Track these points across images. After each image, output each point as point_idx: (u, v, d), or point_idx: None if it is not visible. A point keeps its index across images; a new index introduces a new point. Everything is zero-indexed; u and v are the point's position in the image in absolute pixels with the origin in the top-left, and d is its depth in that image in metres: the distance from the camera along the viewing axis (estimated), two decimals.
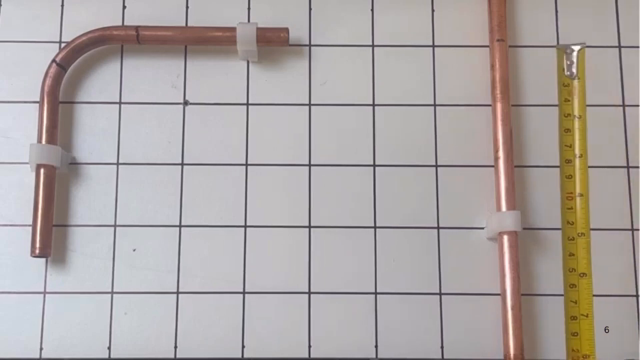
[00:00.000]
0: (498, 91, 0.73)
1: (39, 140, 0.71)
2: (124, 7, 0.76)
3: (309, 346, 0.71)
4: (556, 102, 0.75)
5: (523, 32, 0.76)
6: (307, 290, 0.71)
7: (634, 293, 0.72)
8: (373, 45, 0.76)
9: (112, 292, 0.71)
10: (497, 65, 0.73)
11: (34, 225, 0.69)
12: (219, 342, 0.71)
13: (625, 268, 0.72)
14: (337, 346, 0.71)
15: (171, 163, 0.74)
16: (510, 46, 0.75)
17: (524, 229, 0.72)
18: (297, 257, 0.72)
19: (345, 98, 0.75)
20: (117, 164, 0.73)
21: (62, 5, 0.76)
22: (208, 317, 0.71)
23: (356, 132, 0.74)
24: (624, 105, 0.75)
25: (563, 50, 0.75)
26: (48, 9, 0.76)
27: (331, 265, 0.72)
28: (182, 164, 0.74)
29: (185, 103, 0.75)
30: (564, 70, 0.75)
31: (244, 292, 0.71)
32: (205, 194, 0.73)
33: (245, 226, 0.72)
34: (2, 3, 0.76)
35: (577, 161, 0.72)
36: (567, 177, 0.72)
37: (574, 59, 0.74)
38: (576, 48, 0.74)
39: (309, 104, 0.75)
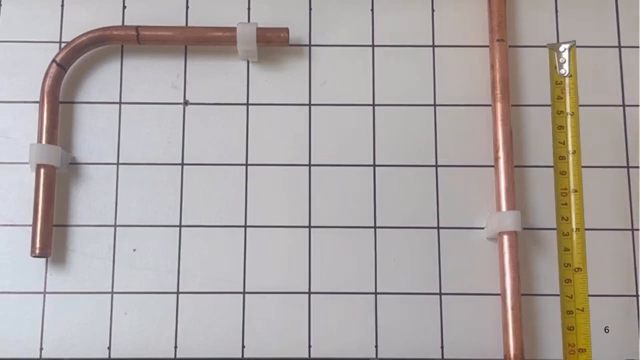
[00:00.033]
0: (498, 91, 0.73)
1: (39, 140, 0.71)
2: (124, 7, 0.76)
3: (309, 346, 0.71)
4: None
5: (523, 32, 0.76)
6: (307, 290, 0.71)
7: (634, 293, 0.72)
8: (373, 45, 0.76)
9: (112, 292, 0.71)
10: (497, 65, 0.73)
11: (34, 225, 0.69)
12: (219, 342, 0.71)
13: (625, 268, 0.72)
14: (337, 346, 0.71)
15: (171, 163, 0.74)
16: (510, 46, 0.75)
17: (524, 229, 0.72)
18: (297, 257, 0.72)
19: (345, 98, 0.75)
20: (117, 164, 0.73)
21: (62, 5, 0.76)
22: (208, 317, 0.71)
23: (356, 132, 0.74)
24: (624, 105, 0.75)
25: (554, 49, 0.75)
26: (48, 9, 0.76)
27: (331, 265, 0.72)
28: (182, 164, 0.74)
29: (185, 103, 0.75)
30: (555, 68, 0.75)
31: (244, 292, 0.71)
32: (205, 194, 0.73)
33: (245, 226, 0.72)
34: (2, 3, 0.76)
35: (571, 157, 0.72)
36: (561, 174, 0.72)
37: (565, 57, 0.74)
38: (566, 46, 0.75)
39: (309, 104, 0.75)
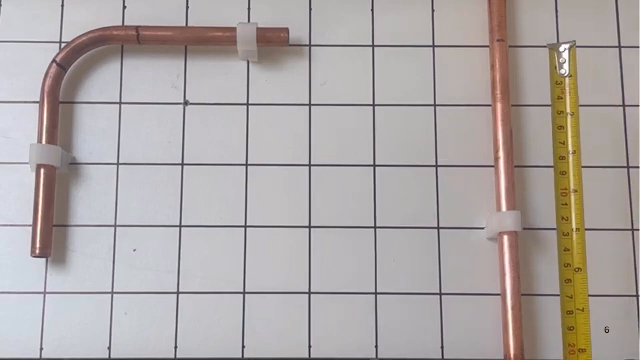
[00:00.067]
0: (498, 91, 0.73)
1: (39, 140, 0.71)
2: (124, 7, 0.76)
3: (309, 346, 0.71)
4: None
5: (523, 32, 0.76)
6: (307, 290, 0.71)
7: (634, 293, 0.72)
8: (373, 45, 0.76)
9: (112, 292, 0.71)
10: (497, 65, 0.73)
11: (34, 225, 0.69)
12: (219, 342, 0.71)
13: (625, 268, 0.72)
14: (337, 346, 0.71)
15: (171, 163, 0.74)
16: (510, 46, 0.75)
17: (524, 229, 0.72)
18: (297, 257, 0.72)
19: (345, 98, 0.75)
20: (117, 164, 0.73)
21: (62, 5, 0.76)
22: (208, 317, 0.71)
23: (356, 132, 0.74)
24: (624, 105, 0.75)
25: (554, 49, 0.75)
26: (48, 9, 0.76)
27: (331, 265, 0.72)
28: (182, 164, 0.74)
29: (185, 103, 0.75)
30: (555, 68, 0.75)
31: (244, 292, 0.71)
32: (205, 194, 0.73)
33: (245, 226, 0.72)
34: (2, 3, 0.76)
35: (571, 157, 0.72)
36: (561, 174, 0.72)
37: (565, 57, 0.74)
38: (566, 46, 0.75)
39: (309, 104, 0.75)
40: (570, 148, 0.73)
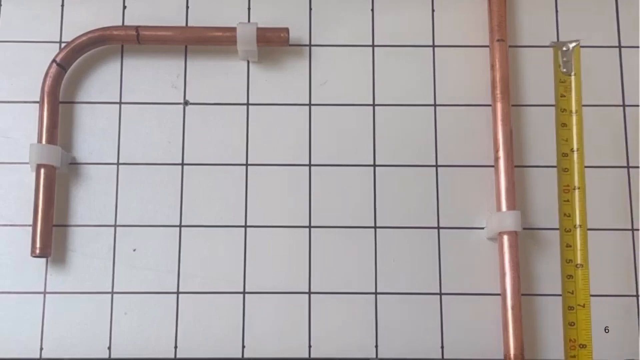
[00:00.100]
0: (498, 91, 0.73)
1: (39, 140, 0.71)
2: (124, 7, 0.76)
3: (309, 346, 0.71)
4: None
5: (523, 32, 0.76)
6: (307, 290, 0.71)
7: (634, 293, 0.72)
8: (373, 45, 0.76)
9: (112, 292, 0.71)
10: (497, 65, 0.73)
11: (34, 226, 0.69)
12: (219, 342, 0.71)
13: (625, 268, 0.72)
14: (337, 346, 0.71)
15: (171, 163, 0.74)
16: (510, 46, 0.75)
17: (524, 229, 0.72)
18: (297, 257, 0.72)
19: (345, 98, 0.75)
20: (117, 164, 0.73)
21: (62, 5, 0.76)
22: (208, 317, 0.71)
23: (356, 132, 0.74)
24: (624, 105, 0.75)
25: (558, 48, 0.75)
26: (48, 9, 0.76)
27: (331, 265, 0.72)
28: (182, 164, 0.74)
29: (186, 103, 0.75)
30: (560, 66, 0.75)
31: (244, 292, 0.71)
32: (205, 194, 0.73)
33: (245, 226, 0.72)
34: (2, 3, 0.76)
35: (575, 155, 0.73)
36: (563, 170, 0.72)
37: (570, 56, 0.74)
38: (571, 45, 0.75)
39: (309, 104, 0.75)
40: (574, 146, 0.73)
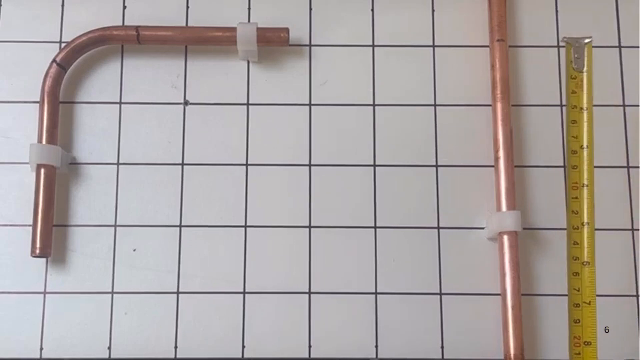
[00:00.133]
0: (498, 91, 0.73)
1: (39, 140, 0.71)
2: (124, 7, 0.76)
3: (309, 346, 0.71)
4: (557, 102, 0.75)
5: (523, 32, 0.76)
6: (307, 290, 0.71)
7: (634, 293, 0.72)
8: (373, 45, 0.76)
9: (112, 292, 0.71)
10: (497, 65, 0.73)
11: (34, 226, 0.69)
12: (219, 342, 0.71)
13: (625, 268, 0.72)
14: (337, 346, 0.71)
15: (171, 163, 0.74)
16: (510, 46, 0.75)
17: (524, 229, 0.72)
18: (297, 257, 0.72)
19: (345, 98, 0.75)
20: (117, 164, 0.73)
21: (62, 5, 0.76)
22: (208, 317, 0.71)
23: (356, 132, 0.74)
24: (624, 105, 0.75)
25: (571, 44, 0.75)
26: (48, 9, 0.76)
27: (331, 265, 0.72)
28: (182, 164, 0.74)
29: (186, 103, 0.75)
30: (572, 62, 0.75)
31: (244, 292, 0.71)
32: (205, 194, 0.73)
33: (245, 226, 0.72)
34: (2, 3, 0.76)
35: (585, 152, 0.73)
36: (572, 168, 0.73)
37: (582, 52, 0.74)
38: (584, 42, 0.75)
39: (309, 104, 0.75)
40: (584, 143, 0.73)
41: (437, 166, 0.74)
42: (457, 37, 0.76)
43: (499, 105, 0.72)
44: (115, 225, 0.72)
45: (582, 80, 0.74)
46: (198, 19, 0.76)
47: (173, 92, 0.75)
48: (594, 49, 0.76)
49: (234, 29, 0.73)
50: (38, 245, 0.69)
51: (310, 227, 0.72)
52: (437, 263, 0.72)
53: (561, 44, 0.76)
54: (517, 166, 0.73)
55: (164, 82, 0.75)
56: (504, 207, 0.71)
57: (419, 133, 0.74)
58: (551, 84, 0.75)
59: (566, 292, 0.72)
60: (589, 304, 0.70)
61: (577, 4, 0.77)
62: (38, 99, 0.72)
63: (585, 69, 0.74)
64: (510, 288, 0.69)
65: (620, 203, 0.73)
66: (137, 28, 0.73)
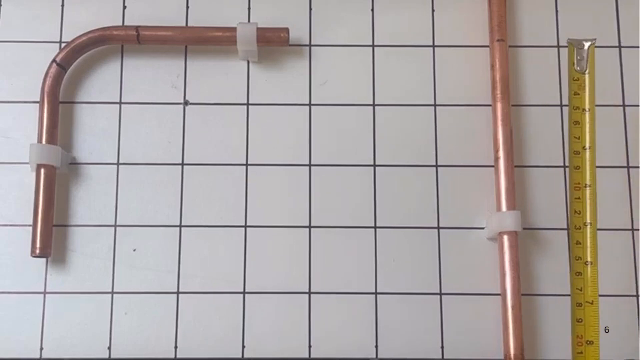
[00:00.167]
0: (498, 91, 0.73)
1: (39, 140, 0.71)
2: (124, 7, 0.76)
3: (309, 346, 0.71)
4: (557, 102, 0.75)
5: (523, 32, 0.77)
6: (307, 290, 0.71)
7: (634, 293, 0.72)
8: (373, 45, 0.76)
9: (112, 292, 0.71)
10: (497, 65, 0.73)
11: (34, 226, 0.69)
12: (219, 342, 0.71)
13: (625, 268, 0.72)
14: (337, 346, 0.71)
15: (171, 163, 0.74)
16: (510, 46, 0.75)
17: (524, 229, 0.72)
18: (297, 257, 0.72)
19: (345, 98, 0.75)
20: (117, 164, 0.73)
21: (62, 5, 0.76)
22: (208, 317, 0.71)
23: (356, 132, 0.74)
24: (624, 105, 0.75)
25: (574, 45, 0.75)
26: (48, 9, 0.76)
27: (331, 265, 0.72)
28: (182, 164, 0.74)
29: (185, 103, 0.75)
30: (574, 64, 0.75)
31: (244, 292, 0.71)
32: (205, 194, 0.73)
33: (245, 226, 0.72)
34: (2, 3, 0.76)
35: (587, 153, 0.73)
36: (575, 168, 0.73)
37: (584, 54, 0.75)
38: (587, 44, 0.75)
39: (309, 104, 0.75)
40: (586, 144, 0.73)
41: (437, 166, 0.74)
42: (457, 37, 0.76)
43: (499, 105, 0.72)
44: (115, 225, 0.72)
45: (584, 82, 0.74)
46: (198, 19, 0.76)
47: (173, 92, 0.75)
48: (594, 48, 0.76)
49: (234, 29, 0.73)
50: (38, 245, 0.69)
51: (310, 227, 0.72)
52: (437, 263, 0.72)
53: (562, 44, 0.76)
54: (517, 166, 0.73)
55: (164, 82, 0.75)
56: (504, 207, 0.71)
57: (419, 133, 0.74)
58: (551, 84, 0.75)
59: (566, 292, 0.72)
60: (592, 303, 0.71)
61: (577, 4, 0.77)
62: (38, 99, 0.72)
63: (587, 70, 0.74)
64: (510, 288, 0.69)
65: (620, 203, 0.73)
66: (137, 28, 0.73)
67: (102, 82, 0.75)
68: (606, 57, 0.76)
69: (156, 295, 0.71)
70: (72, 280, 0.71)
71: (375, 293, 0.72)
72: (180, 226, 0.72)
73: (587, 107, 0.74)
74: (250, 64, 0.75)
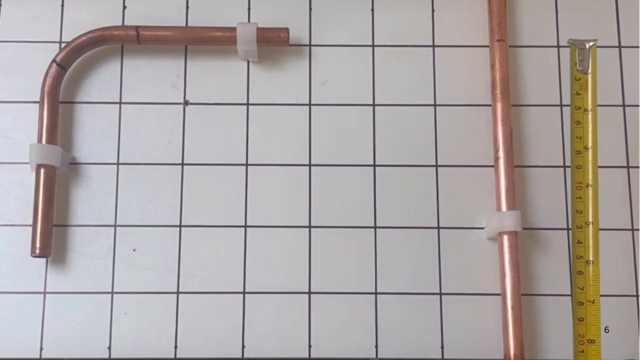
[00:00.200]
0: (498, 91, 0.73)
1: (39, 140, 0.71)
2: (124, 7, 0.76)
3: (309, 346, 0.71)
4: (557, 102, 0.75)
5: (523, 32, 0.76)
6: (307, 290, 0.71)
7: (634, 293, 0.72)
8: (373, 45, 0.76)
9: (112, 292, 0.71)
10: (497, 65, 0.73)
11: (34, 225, 0.69)
12: (219, 342, 0.71)
13: (625, 268, 0.72)
14: (337, 346, 0.71)
15: (171, 163, 0.74)
16: (510, 46, 0.75)
17: (524, 229, 0.72)
18: (297, 257, 0.72)
19: (345, 98, 0.75)
20: (117, 164, 0.73)
21: (62, 5, 0.76)
22: (208, 317, 0.71)
23: (356, 132, 0.74)
24: (624, 105, 0.75)
25: (576, 45, 0.75)
26: (48, 9, 0.76)
27: (331, 265, 0.72)
28: (182, 164, 0.74)
29: (185, 103, 0.75)
30: (576, 64, 0.75)
31: (244, 292, 0.71)
32: (205, 194, 0.73)
33: (245, 226, 0.72)
34: (2, 3, 0.76)
35: (589, 153, 0.73)
36: (577, 168, 0.73)
37: (586, 55, 0.75)
38: (588, 44, 0.75)
39: (309, 104, 0.75)
40: (588, 143, 0.73)
41: (437, 166, 0.74)
42: (457, 37, 0.76)
43: (498, 105, 0.72)
44: (115, 225, 0.72)
45: (586, 82, 0.74)
46: (198, 19, 0.76)
47: (173, 92, 0.75)
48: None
49: (234, 29, 0.73)
50: (38, 245, 0.69)
51: (310, 227, 0.72)
52: (437, 263, 0.72)
53: (562, 44, 0.76)
54: (517, 166, 0.73)
55: (164, 82, 0.75)
56: (504, 207, 0.71)
57: (419, 133, 0.74)
58: (551, 84, 0.75)
59: (566, 292, 0.72)
60: (593, 302, 0.71)
61: (577, 4, 0.77)
62: (38, 99, 0.72)
63: (589, 70, 0.74)
64: (510, 288, 0.69)
65: (621, 203, 0.73)
66: (137, 28, 0.73)
67: (102, 82, 0.75)
68: (606, 57, 0.76)
69: (156, 295, 0.71)
70: (72, 280, 0.71)
71: (375, 293, 0.72)
72: (180, 226, 0.72)
73: (589, 107, 0.74)
74: (250, 64, 0.75)
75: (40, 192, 0.70)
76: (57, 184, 0.71)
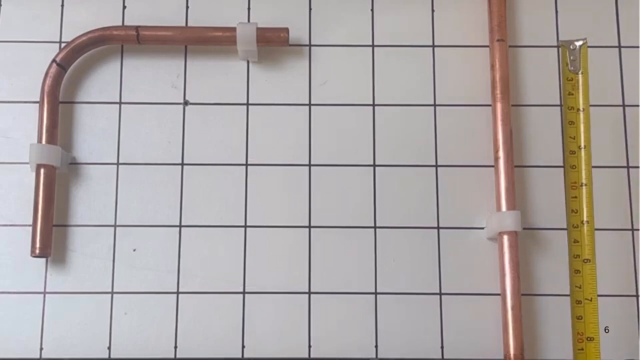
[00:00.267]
0: (498, 91, 0.73)
1: (39, 140, 0.71)
2: (124, 7, 0.76)
3: (309, 346, 0.71)
4: (557, 102, 0.75)
5: (523, 32, 0.77)
6: (307, 290, 0.71)
7: (634, 293, 0.72)
8: (373, 45, 0.76)
9: (112, 292, 0.71)
10: (497, 65, 0.73)
11: (34, 225, 0.69)
12: (219, 342, 0.71)
13: (625, 268, 0.72)
14: (337, 346, 0.71)
15: (171, 163, 0.74)
16: (510, 46, 0.75)
17: (524, 229, 0.72)
18: (297, 257, 0.72)
19: (345, 98, 0.75)
20: (117, 164, 0.73)
21: (62, 5, 0.76)
22: (208, 317, 0.71)
23: (356, 132, 0.74)
24: (624, 105, 0.75)
25: (566, 46, 0.75)
26: (48, 9, 0.76)
27: (331, 265, 0.72)
28: (182, 164, 0.74)
29: (185, 103, 0.75)
30: (567, 65, 0.75)
31: (244, 292, 0.71)
32: (205, 194, 0.73)
33: (245, 226, 0.72)
34: (2, 3, 0.76)
35: (582, 152, 0.73)
36: (571, 167, 0.73)
37: (577, 54, 0.75)
38: (578, 44, 0.75)
39: (309, 104, 0.75)
40: (581, 143, 0.73)
41: (437, 166, 0.74)
42: (457, 37, 0.76)
43: (498, 105, 0.72)
44: (115, 225, 0.72)
45: (578, 82, 0.74)
46: (198, 19, 0.76)
47: (173, 92, 0.75)
48: (593, 49, 0.76)
49: (233, 29, 0.73)
50: (38, 245, 0.69)
51: (310, 227, 0.72)
52: (437, 263, 0.72)
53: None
54: (517, 166, 0.73)
55: (164, 82, 0.75)
56: (503, 207, 0.71)
57: (419, 133, 0.74)
58: (551, 84, 0.75)
59: (566, 292, 0.72)
60: (591, 300, 0.71)
61: (577, 4, 0.77)
62: (38, 99, 0.72)
63: (581, 70, 0.74)
64: (510, 288, 0.69)
65: (620, 203, 0.73)
66: (137, 28, 0.73)
67: (102, 82, 0.75)
68: (606, 57, 0.76)
69: (156, 295, 0.71)
70: (72, 280, 0.71)
71: (375, 293, 0.72)
72: (180, 226, 0.72)
73: (581, 107, 0.74)
74: (250, 64, 0.75)
75: (40, 192, 0.70)
76: (57, 184, 0.71)
